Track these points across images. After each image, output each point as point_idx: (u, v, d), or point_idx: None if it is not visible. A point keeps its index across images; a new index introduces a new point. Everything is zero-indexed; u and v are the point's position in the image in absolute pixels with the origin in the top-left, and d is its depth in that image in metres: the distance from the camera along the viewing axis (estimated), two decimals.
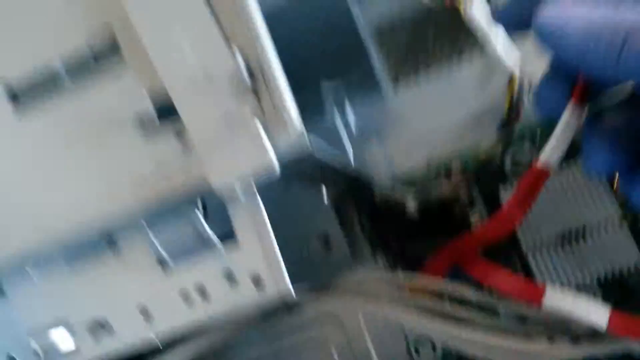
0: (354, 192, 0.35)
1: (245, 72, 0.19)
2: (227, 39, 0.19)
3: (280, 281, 0.21)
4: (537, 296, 0.25)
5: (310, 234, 0.35)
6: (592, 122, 0.22)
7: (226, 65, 0.18)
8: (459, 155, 0.34)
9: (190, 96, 0.19)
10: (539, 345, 0.25)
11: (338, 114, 0.37)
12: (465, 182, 0.34)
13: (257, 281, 0.21)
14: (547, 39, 0.20)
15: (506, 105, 0.27)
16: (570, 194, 0.32)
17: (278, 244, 0.35)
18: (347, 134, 0.37)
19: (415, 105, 0.38)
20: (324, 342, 0.36)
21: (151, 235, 0.21)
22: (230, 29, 0.19)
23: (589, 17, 0.19)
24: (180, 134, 0.20)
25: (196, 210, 0.21)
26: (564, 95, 0.22)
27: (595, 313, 0.24)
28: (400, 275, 0.33)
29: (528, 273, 0.32)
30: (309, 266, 0.34)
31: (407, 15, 0.39)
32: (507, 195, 0.33)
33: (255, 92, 0.19)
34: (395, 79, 0.39)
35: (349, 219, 0.37)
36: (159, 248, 0.21)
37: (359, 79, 0.35)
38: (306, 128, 0.37)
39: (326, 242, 0.35)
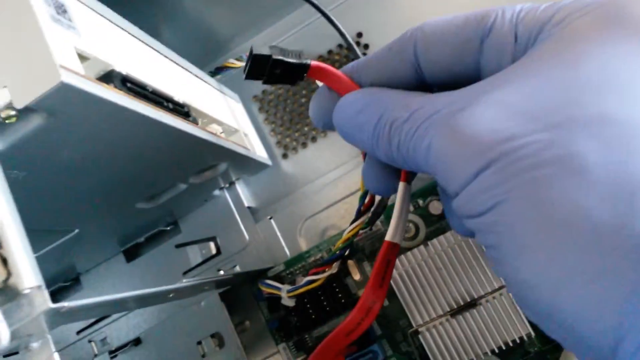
0: (252, 281, 0.34)
1: None
2: None
3: None
4: None
5: (204, 335, 0.34)
6: (443, 194, 0.23)
7: None
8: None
9: None
10: None
11: (228, 191, 0.38)
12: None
13: None
14: (346, 138, 0.22)
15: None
16: (459, 269, 0.30)
17: (172, 351, 0.35)
18: (240, 209, 0.37)
19: (304, 174, 0.38)
20: None
21: None
22: None
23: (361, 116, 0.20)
24: None
25: None
26: (385, 174, 0.22)
27: None
28: None
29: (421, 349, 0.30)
30: None
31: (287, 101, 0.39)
32: None
33: None
34: (285, 155, 0.38)
35: (249, 308, 0.36)
36: None
37: (241, 162, 0.35)
38: (196, 206, 0.38)
39: (220, 341, 0.34)
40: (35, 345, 0.18)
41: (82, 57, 0.20)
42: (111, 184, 0.26)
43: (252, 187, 0.39)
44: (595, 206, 0.14)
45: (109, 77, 0.21)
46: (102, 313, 0.19)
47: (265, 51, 0.22)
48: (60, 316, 0.17)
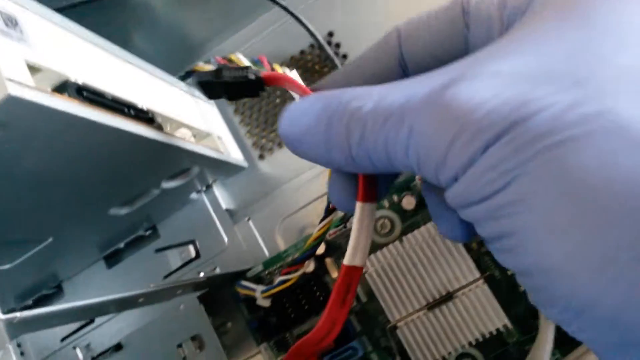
0: (230, 283, 0.34)
1: None
2: None
3: None
4: None
5: (184, 338, 0.34)
6: (429, 196, 0.20)
7: None
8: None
9: None
10: None
11: (206, 194, 0.38)
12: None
13: None
14: (294, 148, 0.19)
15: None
16: (434, 263, 0.30)
17: (153, 355, 0.35)
18: (218, 211, 0.37)
19: (281, 174, 0.38)
20: None
21: None
22: None
23: (312, 118, 0.17)
24: None
25: None
26: (351, 189, 0.20)
27: None
28: None
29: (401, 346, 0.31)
30: None
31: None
32: None
33: None
34: (261, 156, 0.38)
35: (230, 309, 0.36)
36: None
37: (216, 165, 0.35)
38: (174, 210, 0.38)
39: (200, 343, 0.34)
40: None
41: (34, 69, 0.20)
42: (79, 192, 0.26)
43: (229, 189, 0.39)
44: None
45: (63, 88, 0.21)
46: (63, 322, 0.19)
47: (208, 75, 0.22)
48: (16, 327, 0.17)
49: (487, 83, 0.14)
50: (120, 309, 0.23)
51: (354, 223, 0.20)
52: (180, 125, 0.30)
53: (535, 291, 0.14)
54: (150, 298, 0.25)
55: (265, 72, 0.21)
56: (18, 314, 0.16)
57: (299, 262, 0.29)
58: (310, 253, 0.28)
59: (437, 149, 0.14)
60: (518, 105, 0.13)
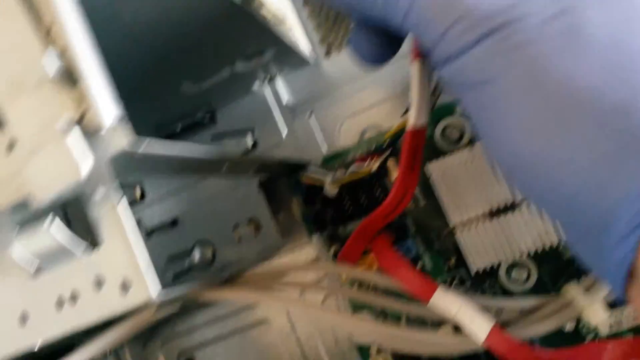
0: (289, 174, 0.34)
1: (61, 76, 0.17)
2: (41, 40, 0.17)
3: (145, 288, 0.20)
4: (426, 294, 0.23)
5: (241, 219, 0.34)
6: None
7: (39, 69, 0.17)
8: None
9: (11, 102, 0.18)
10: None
11: (268, 85, 0.37)
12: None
13: (124, 287, 0.20)
14: None
15: None
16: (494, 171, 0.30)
17: (209, 233, 0.35)
18: (278, 105, 0.37)
19: (347, 73, 0.36)
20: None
21: (16, 241, 0.20)
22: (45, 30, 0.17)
23: None
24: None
25: (55, 219, 0.20)
26: (376, 41, 0.21)
27: (478, 324, 0.23)
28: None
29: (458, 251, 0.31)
30: (242, 249, 0.34)
31: None
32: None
33: (74, 97, 0.17)
34: (328, 53, 0.37)
35: (283, 201, 0.36)
36: (23, 255, 0.21)
37: (285, 54, 0.34)
38: (235, 98, 0.37)
39: (257, 226, 0.34)
40: (97, 197, 0.19)
41: None
42: (161, 55, 0.26)
43: (292, 84, 0.38)
44: (602, 85, 0.14)
45: None
46: (165, 169, 0.19)
47: None
48: (134, 160, 0.17)
49: None
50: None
51: (412, 83, 0.20)
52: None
53: (508, 173, 0.17)
54: (234, 167, 0.25)
55: None
56: (147, 139, 0.16)
57: (379, 152, 0.28)
58: (392, 142, 0.28)
59: (436, 28, 0.16)
60: (509, 4, 0.15)
